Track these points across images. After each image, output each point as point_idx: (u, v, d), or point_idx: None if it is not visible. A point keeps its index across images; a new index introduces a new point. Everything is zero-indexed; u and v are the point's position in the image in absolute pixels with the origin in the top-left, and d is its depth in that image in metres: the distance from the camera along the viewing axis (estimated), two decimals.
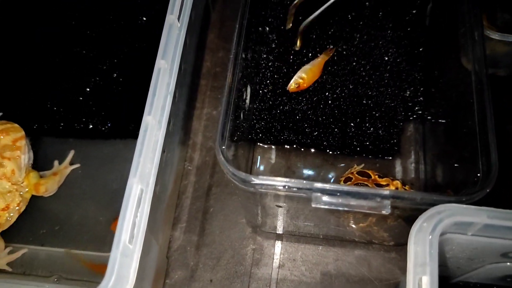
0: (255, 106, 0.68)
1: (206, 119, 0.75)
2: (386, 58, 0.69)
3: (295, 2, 0.68)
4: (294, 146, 0.70)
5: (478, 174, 0.50)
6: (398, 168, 0.69)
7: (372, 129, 0.66)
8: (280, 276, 0.65)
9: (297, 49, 0.70)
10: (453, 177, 0.61)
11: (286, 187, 0.46)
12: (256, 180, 0.46)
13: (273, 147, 0.71)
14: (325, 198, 0.45)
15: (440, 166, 0.65)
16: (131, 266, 0.42)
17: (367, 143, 0.66)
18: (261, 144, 0.70)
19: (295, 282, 0.65)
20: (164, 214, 0.64)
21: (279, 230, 0.67)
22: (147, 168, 0.46)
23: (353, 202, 0.45)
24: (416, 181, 0.68)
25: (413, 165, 0.69)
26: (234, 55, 0.53)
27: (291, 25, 0.70)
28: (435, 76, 0.69)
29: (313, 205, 0.45)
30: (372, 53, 0.69)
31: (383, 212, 0.45)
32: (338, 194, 0.45)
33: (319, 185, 0.45)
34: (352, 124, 0.66)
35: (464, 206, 0.43)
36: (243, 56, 0.58)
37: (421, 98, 0.68)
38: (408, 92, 0.68)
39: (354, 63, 0.69)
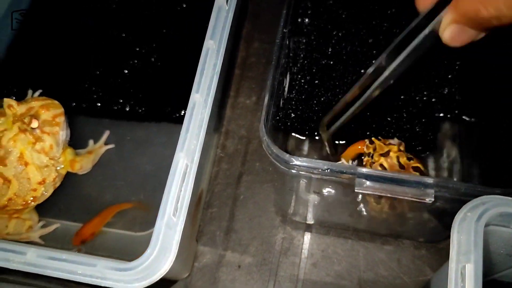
0: (291, 96, 0.68)
1: (239, 108, 0.76)
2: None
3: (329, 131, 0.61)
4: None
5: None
6: (432, 165, 0.69)
7: (408, 125, 0.66)
8: (308, 266, 0.65)
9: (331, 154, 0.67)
10: (489, 178, 0.61)
11: (329, 170, 0.46)
12: (298, 162, 0.46)
13: (306, 139, 0.71)
14: (369, 183, 0.45)
15: (476, 166, 0.65)
16: (174, 238, 0.42)
17: (403, 139, 0.66)
18: (295, 135, 0.71)
19: (323, 273, 0.64)
20: (198, 195, 0.64)
21: (310, 221, 0.66)
22: (192, 145, 0.46)
23: (396, 188, 0.45)
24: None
25: (446, 164, 0.69)
26: (280, 40, 0.54)
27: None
28: (473, 76, 0.68)
29: (356, 190, 0.45)
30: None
31: (427, 200, 0.44)
32: (382, 180, 0.45)
33: (363, 169, 0.45)
34: (389, 118, 0.66)
35: (510, 198, 0.43)
36: (286, 44, 0.58)
37: (457, 96, 0.68)
38: (446, 91, 0.67)
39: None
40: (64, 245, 0.64)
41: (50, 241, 0.64)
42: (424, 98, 0.67)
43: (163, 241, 0.42)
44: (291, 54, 0.68)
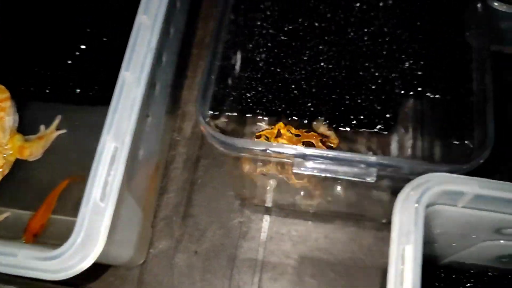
0: (246, 74, 0.65)
1: (197, 89, 0.73)
2: (386, 29, 0.66)
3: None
4: (288, 118, 0.67)
5: (472, 146, 0.47)
6: (394, 144, 0.66)
7: (367, 102, 0.64)
8: (267, 250, 0.63)
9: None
10: (450, 153, 0.59)
11: (267, 150, 0.44)
12: (235, 142, 0.44)
13: (265, 118, 0.68)
14: (308, 163, 0.43)
15: (438, 142, 0.63)
16: (101, 225, 0.40)
17: (362, 117, 0.63)
18: (252, 115, 0.68)
19: (282, 257, 0.63)
20: (150, 181, 0.62)
21: (268, 204, 0.65)
22: (123, 127, 0.44)
23: (337, 168, 0.43)
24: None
25: (410, 141, 0.67)
26: (219, 15, 0.51)
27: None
28: (436, 51, 0.66)
29: (295, 171, 0.43)
30: (372, 23, 0.66)
31: (368, 179, 0.42)
32: (322, 159, 0.43)
33: (301, 149, 0.43)
34: (347, 96, 0.64)
35: (455, 175, 0.41)
36: (233, 19, 0.55)
37: (420, 72, 0.65)
38: (407, 65, 0.65)
39: (352, 33, 0.66)
40: (16, 234, 0.62)
41: (0, 231, 0.62)
42: (384, 74, 0.64)
43: (89, 228, 0.40)
44: (246, 32, 0.65)
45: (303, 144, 0.58)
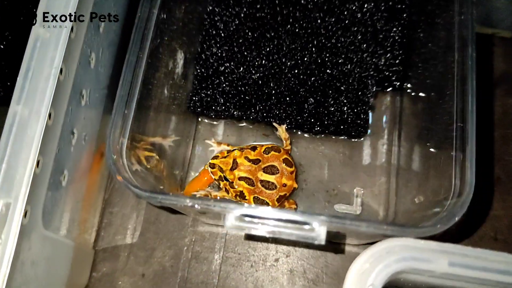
0: (195, 72, 0.56)
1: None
2: (360, 15, 0.55)
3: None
4: (242, 121, 0.58)
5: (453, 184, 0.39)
6: (367, 150, 0.58)
7: (335, 106, 0.54)
8: (223, 273, 0.57)
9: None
10: (429, 166, 0.50)
11: (195, 206, 0.35)
12: (155, 197, 0.36)
13: (220, 121, 0.59)
14: (245, 224, 0.35)
15: (417, 150, 0.54)
16: None
17: (329, 122, 0.54)
18: (200, 121, 0.59)
19: (242, 278, 0.56)
20: (83, 202, 0.54)
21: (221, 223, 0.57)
22: (16, 178, 0.35)
23: (280, 230, 0.35)
24: (387, 167, 0.57)
25: (385, 146, 0.58)
26: (140, 10, 0.41)
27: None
28: (418, 40, 0.55)
29: (227, 230, 0.35)
30: (343, 8, 0.55)
31: (316, 243, 0.34)
32: (261, 220, 0.35)
33: (236, 206, 0.35)
34: (311, 99, 0.54)
35: (422, 244, 0.33)
36: (164, 15, 0.45)
37: (399, 67, 0.55)
38: (383, 60, 0.55)
39: (319, 20, 0.55)
40: None
41: None
42: (357, 70, 0.54)
43: None
44: (190, 24, 0.54)
45: (264, 172, 0.50)
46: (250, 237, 0.57)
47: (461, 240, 0.55)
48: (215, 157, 0.51)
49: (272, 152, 0.51)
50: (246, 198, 0.51)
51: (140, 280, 0.57)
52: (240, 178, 0.50)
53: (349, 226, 0.33)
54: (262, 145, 0.52)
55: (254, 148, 0.52)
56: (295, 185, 0.52)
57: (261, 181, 0.51)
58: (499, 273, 0.32)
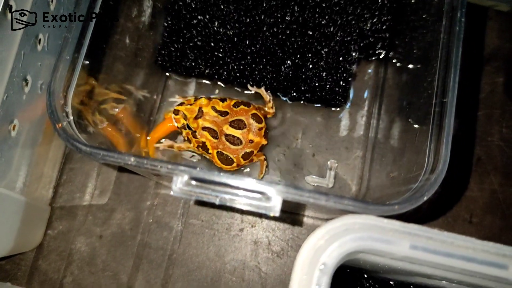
0: (166, 24, 0.51)
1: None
2: None
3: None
4: (213, 80, 0.55)
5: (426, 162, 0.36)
6: (345, 121, 0.54)
7: (314, 71, 0.50)
8: (184, 239, 0.54)
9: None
10: (406, 141, 0.47)
11: (143, 165, 0.32)
12: (96, 153, 0.32)
13: (191, 80, 0.55)
14: (194, 188, 0.32)
15: (396, 124, 0.51)
16: None
17: (306, 88, 0.51)
18: (168, 77, 0.55)
19: (200, 249, 0.54)
20: (38, 155, 0.51)
21: None
22: None
23: (232, 197, 0.32)
24: (364, 140, 0.54)
25: (364, 118, 0.55)
26: None
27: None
28: (408, 5, 0.51)
29: (172, 194, 0.32)
30: None
31: (271, 214, 0.31)
32: (211, 185, 0.32)
33: (185, 168, 0.32)
34: (289, 62, 0.50)
35: (385, 222, 0.30)
36: None
37: (386, 33, 0.52)
38: (369, 25, 0.51)
39: None
40: None
41: None
42: (340, 33, 0.50)
43: None
44: None
45: (230, 125, 0.47)
46: (201, 203, 0.54)
47: (434, 220, 0.53)
48: (181, 104, 0.48)
49: (242, 106, 0.48)
50: (210, 152, 0.48)
51: (97, 241, 0.54)
52: (203, 128, 0.47)
53: (307, 198, 0.30)
54: (233, 99, 0.49)
55: (223, 100, 0.48)
56: (264, 142, 0.49)
57: (226, 135, 0.47)
58: (464, 260, 0.29)
